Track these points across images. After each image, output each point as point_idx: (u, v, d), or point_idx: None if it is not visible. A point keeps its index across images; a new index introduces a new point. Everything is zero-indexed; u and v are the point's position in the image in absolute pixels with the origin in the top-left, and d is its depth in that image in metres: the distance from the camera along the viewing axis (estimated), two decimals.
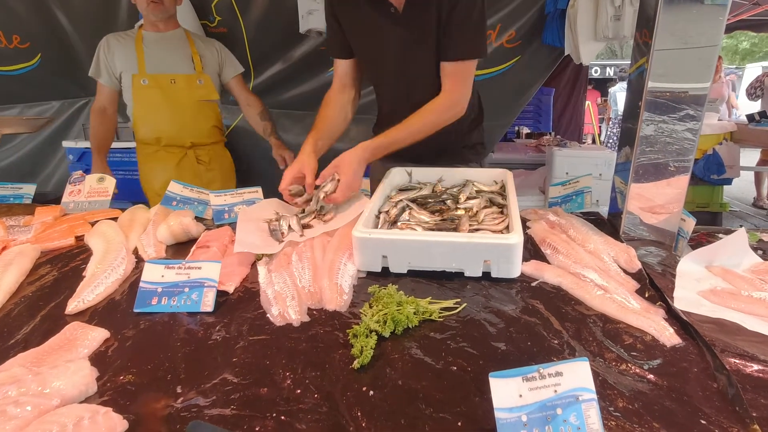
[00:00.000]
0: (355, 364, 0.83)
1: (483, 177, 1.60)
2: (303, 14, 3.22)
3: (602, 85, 12.37)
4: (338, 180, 1.43)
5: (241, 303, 1.08)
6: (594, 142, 9.94)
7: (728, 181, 5.11)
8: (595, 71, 14.29)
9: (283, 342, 0.92)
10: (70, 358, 0.86)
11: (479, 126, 1.88)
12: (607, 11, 2.97)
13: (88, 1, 3.57)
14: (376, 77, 1.79)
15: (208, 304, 1.03)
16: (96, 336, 0.93)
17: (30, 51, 3.79)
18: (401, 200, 1.39)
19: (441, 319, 0.98)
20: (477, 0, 1.48)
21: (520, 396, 0.66)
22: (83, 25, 3.69)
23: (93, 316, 1.04)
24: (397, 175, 1.62)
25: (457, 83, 1.57)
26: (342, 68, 1.74)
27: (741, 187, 6.82)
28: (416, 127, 1.54)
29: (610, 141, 9.28)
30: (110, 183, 1.80)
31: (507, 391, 0.66)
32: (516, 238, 1.09)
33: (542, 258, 1.26)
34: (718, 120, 5.68)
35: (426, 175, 1.63)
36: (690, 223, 1.30)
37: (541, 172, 4.24)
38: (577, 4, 3.02)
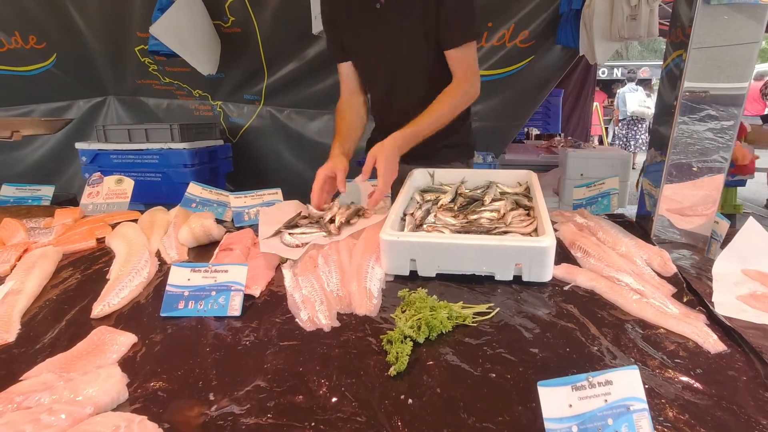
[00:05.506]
0: (392, 371, 0.80)
1: (506, 178, 1.57)
2: (316, 15, 3.20)
3: (608, 87, 12.30)
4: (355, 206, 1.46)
5: (268, 307, 1.06)
6: (601, 143, 9.90)
7: (742, 183, 5.03)
8: (603, 72, 14.19)
9: (315, 348, 0.90)
10: (100, 363, 0.84)
11: (465, 125, 1.83)
12: (623, 11, 2.94)
13: (104, 1, 3.57)
14: (367, 75, 1.76)
15: (235, 308, 1.01)
16: (124, 341, 0.91)
17: (46, 51, 3.80)
18: (428, 202, 1.37)
19: (475, 324, 0.96)
20: None
21: (570, 406, 0.64)
22: (98, 26, 3.69)
23: (119, 320, 1.02)
24: (419, 177, 1.60)
25: (469, 66, 1.60)
26: (346, 71, 1.74)
27: (753, 189, 6.74)
28: (438, 112, 1.55)
29: (619, 142, 9.22)
30: (128, 185, 1.78)
31: (556, 401, 0.64)
32: (549, 240, 1.06)
33: (572, 261, 1.23)
34: None
35: (448, 176, 1.61)
36: (723, 226, 1.27)
37: (553, 174, 4.20)
38: (593, 4, 2.99)
